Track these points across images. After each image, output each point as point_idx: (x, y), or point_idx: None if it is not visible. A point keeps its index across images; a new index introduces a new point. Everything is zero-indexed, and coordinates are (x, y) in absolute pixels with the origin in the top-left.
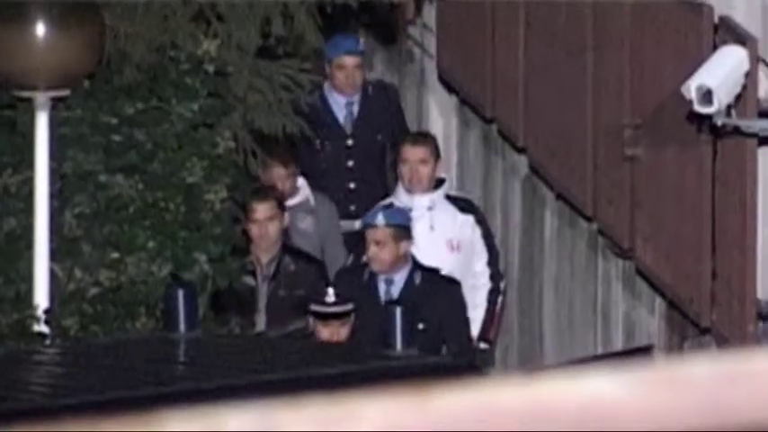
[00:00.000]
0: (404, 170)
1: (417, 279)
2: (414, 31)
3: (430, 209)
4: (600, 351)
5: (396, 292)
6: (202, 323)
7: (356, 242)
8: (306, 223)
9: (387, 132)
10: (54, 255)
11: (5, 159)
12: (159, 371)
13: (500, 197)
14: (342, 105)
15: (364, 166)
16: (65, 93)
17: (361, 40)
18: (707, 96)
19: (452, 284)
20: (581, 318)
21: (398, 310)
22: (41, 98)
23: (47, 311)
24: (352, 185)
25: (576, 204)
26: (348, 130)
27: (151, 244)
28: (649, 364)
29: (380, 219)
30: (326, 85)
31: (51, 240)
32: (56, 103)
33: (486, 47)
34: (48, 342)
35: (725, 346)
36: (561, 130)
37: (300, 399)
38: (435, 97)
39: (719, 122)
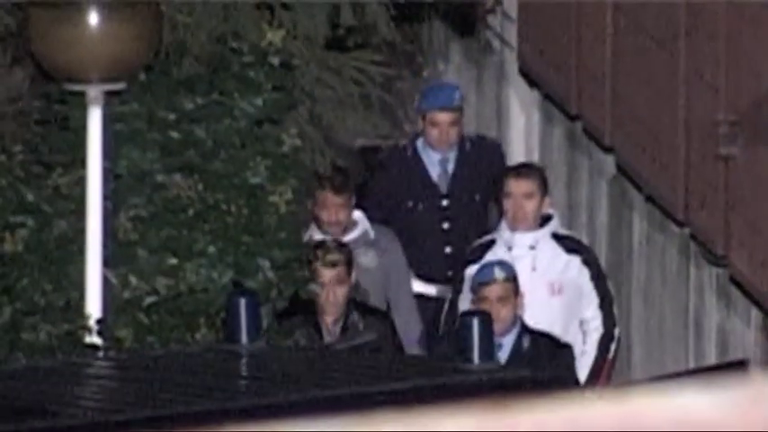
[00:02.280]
0: (507, 205)
1: (526, 343)
2: (493, 20)
3: (532, 248)
4: (692, 365)
5: (503, 357)
6: (266, 334)
7: (438, 308)
8: (367, 258)
9: (486, 192)
10: (108, 261)
11: (56, 158)
12: (219, 385)
13: (585, 199)
14: (435, 162)
15: (461, 229)
16: (119, 86)
17: (458, 93)
18: None
19: (563, 348)
20: (671, 329)
21: (476, 321)
22: (94, 92)
23: (100, 321)
24: (448, 250)
25: (667, 207)
26: (443, 189)
27: (211, 249)
28: (744, 380)
29: (499, 273)
30: (420, 141)
31: (105, 245)
32: (110, 98)
33: (570, 37)
34: (100, 354)
35: None
36: (651, 128)
37: (372, 415)
38: (516, 92)
39: None
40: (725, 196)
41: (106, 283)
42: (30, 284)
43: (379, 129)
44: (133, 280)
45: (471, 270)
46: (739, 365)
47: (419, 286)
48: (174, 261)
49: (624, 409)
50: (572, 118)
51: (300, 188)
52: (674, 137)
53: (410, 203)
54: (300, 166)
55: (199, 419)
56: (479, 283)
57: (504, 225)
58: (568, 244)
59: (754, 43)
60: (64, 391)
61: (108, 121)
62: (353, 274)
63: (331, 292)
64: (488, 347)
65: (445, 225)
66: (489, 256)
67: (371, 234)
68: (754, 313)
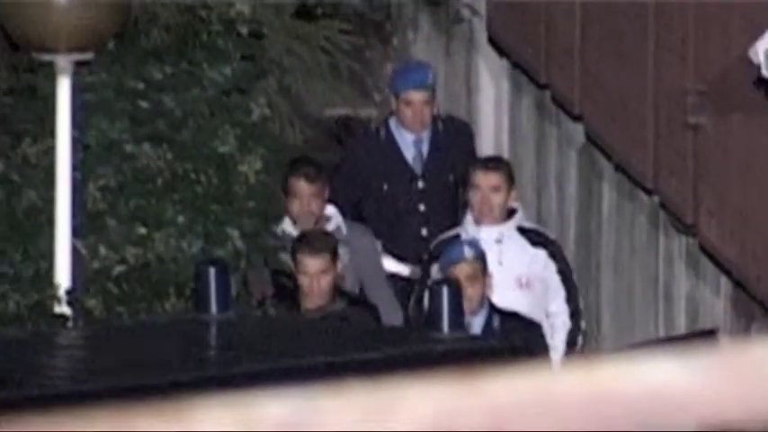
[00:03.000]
0: (474, 198)
1: (496, 323)
2: None
3: (498, 242)
4: (661, 334)
5: None
6: (235, 304)
7: (410, 289)
8: (341, 253)
9: (459, 172)
10: (77, 231)
11: (25, 128)
12: (189, 355)
13: (554, 169)
14: (410, 143)
15: (437, 210)
16: (88, 56)
17: (431, 73)
18: None
19: (533, 327)
20: (641, 298)
21: (445, 291)
22: (63, 62)
23: (69, 292)
24: (424, 232)
25: (636, 176)
26: (418, 170)
27: (180, 219)
28: (714, 349)
29: (468, 252)
30: (392, 121)
31: (74, 215)
32: (78, 68)
33: (539, 6)
34: (70, 324)
35: None
36: (620, 97)
37: (341, 384)
38: (485, 61)
39: None
40: (694, 165)
41: (75, 253)
42: None
43: (348, 98)
44: (102, 250)
45: (437, 266)
46: (709, 334)
47: (392, 265)
48: (143, 231)
49: (594, 378)
50: (541, 87)
51: (269, 158)
52: (643, 106)
53: (385, 186)
54: (269, 136)
55: (168, 389)
56: (449, 262)
57: (469, 219)
58: (534, 237)
59: (722, 15)
60: (33, 360)
61: (77, 91)
62: (339, 264)
63: (315, 280)
64: (458, 317)
65: (421, 207)
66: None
67: (344, 230)
68: (724, 282)
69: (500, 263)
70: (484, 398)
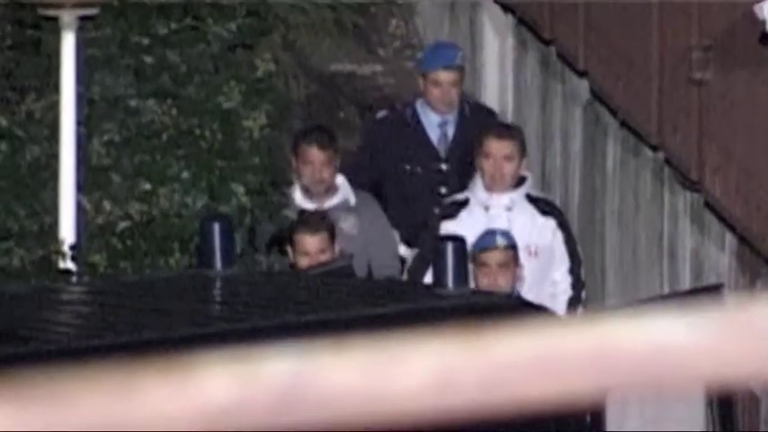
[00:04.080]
0: (486, 165)
1: None
2: None
3: (509, 209)
4: (666, 290)
5: None
6: (239, 259)
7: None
8: (348, 224)
9: None
10: (81, 186)
11: (29, 83)
12: (193, 310)
13: (559, 124)
14: (435, 125)
15: (458, 193)
16: (93, 11)
17: (460, 53)
18: None
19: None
20: (646, 254)
21: (450, 246)
22: (68, 17)
23: (73, 247)
24: None
25: (641, 132)
26: (442, 153)
27: (185, 174)
28: (719, 305)
29: (501, 240)
30: (419, 103)
31: (78, 170)
32: (83, 23)
33: None
34: (74, 279)
35: None
36: (625, 53)
37: (344, 341)
38: (490, 17)
39: None
40: (698, 121)
41: (80, 208)
42: (3, 209)
43: (353, 54)
44: (107, 205)
45: (446, 226)
46: (714, 290)
47: (404, 250)
48: (147, 186)
49: (597, 336)
50: (546, 43)
51: (274, 113)
52: (648, 62)
53: (407, 167)
54: (274, 92)
55: (172, 345)
56: (480, 249)
57: (479, 184)
58: (543, 206)
59: None
60: (37, 316)
61: (81, 46)
62: (336, 244)
63: (314, 259)
64: (462, 272)
65: (443, 189)
66: (465, 215)
67: (352, 200)
68: (729, 238)
69: (509, 229)
70: (486, 355)
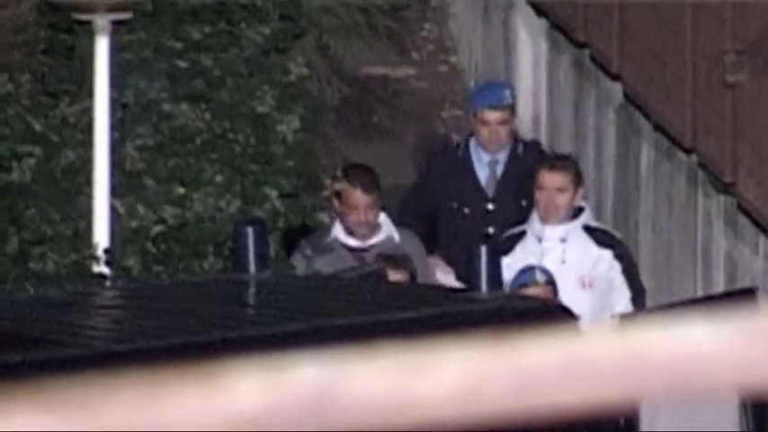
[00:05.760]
0: (539, 197)
1: None
2: None
3: (563, 240)
4: (699, 294)
5: None
6: (273, 263)
7: None
8: None
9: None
10: (115, 190)
11: (64, 88)
12: (227, 314)
13: (593, 128)
14: (485, 164)
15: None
16: (126, 15)
17: (509, 92)
18: None
19: None
20: (679, 258)
21: (483, 250)
22: (101, 21)
23: (107, 251)
24: None
25: (675, 135)
26: (490, 192)
27: (219, 178)
28: (752, 309)
29: (540, 276)
30: (472, 141)
31: (112, 175)
32: (117, 27)
33: None
34: (108, 284)
35: None
36: (659, 56)
37: (375, 346)
38: (524, 20)
39: None
40: (732, 124)
41: (113, 212)
42: (37, 214)
43: (386, 57)
44: (140, 209)
45: (503, 261)
46: (748, 293)
47: (443, 276)
48: (181, 190)
49: (627, 343)
50: (580, 46)
51: (308, 117)
52: (682, 65)
53: (455, 205)
54: (307, 95)
55: (206, 349)
56: (519, 285)
57: (535, 217)
58: (600, 237)
59: None
60: (71, 320)
61: (115, 51)
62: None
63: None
64: (495, 276)
65: (490, 230)
66: (519, 249)
67: (396, 237)
68: (762, 241)
69: (563, 261)
70: (516, 361)
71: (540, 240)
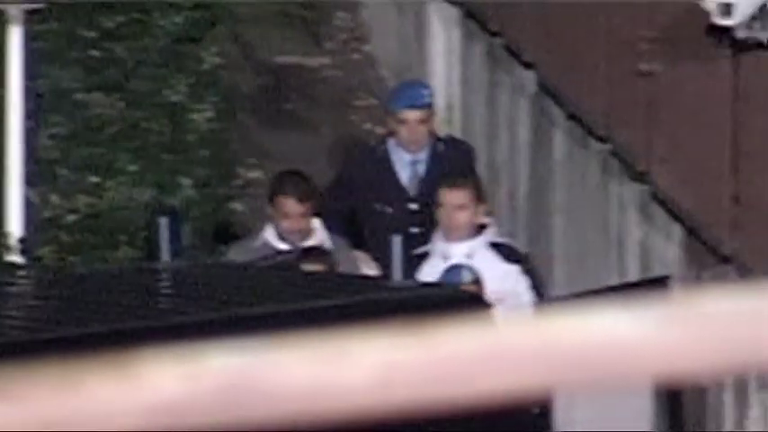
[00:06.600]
0: (440, 215)
1: None
2: None
3: (469, 257)
4: (614, 281)
5: None
6: (187, 252)
7: None
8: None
9: None
10: (29, 179)
11: None
12: (141, 303)
13: (506, 116)
14: (406, 164)
15: (430, 233)
16: (39, 5)
17: (427, 91)
18: (727, 7)
19: None
20: (594, 246)
21: (397, 239)
22: (14, 10)
23: (21, 240)
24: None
25: (588, 124)
26: (412, 192)
27: (133, 167)
28: (666, 296)
29: (466, 276)
30: (392, 141)
31: (26, 164)
32: (30, 16)
33: None
34: (21, 273)
35: (747, 276)
36: (572, 44)
37: (291, 334)
38: (437, 9)
39: (741, 35)
40: (645, 113)
41: (27, 201)
42: None
43: (300, 46)
44: (54, 199)
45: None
46: (661, 282)
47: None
48: (95, 179)
49: (544, 330)
50: (492, 35)
51: (221, 106)
52: (595, 54)
53: (378, 206)
54: (221, 84)
55: (121, 338)
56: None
57: (438, 235)
58: (506, 252)
59: None
60: None
61: (28, 40)
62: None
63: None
64: (408, 267)
65: (414, 229)
66: (427, 268)
67: (328, 244)
68: (676, 229)
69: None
70: (433, 350)
71: (445, 259)
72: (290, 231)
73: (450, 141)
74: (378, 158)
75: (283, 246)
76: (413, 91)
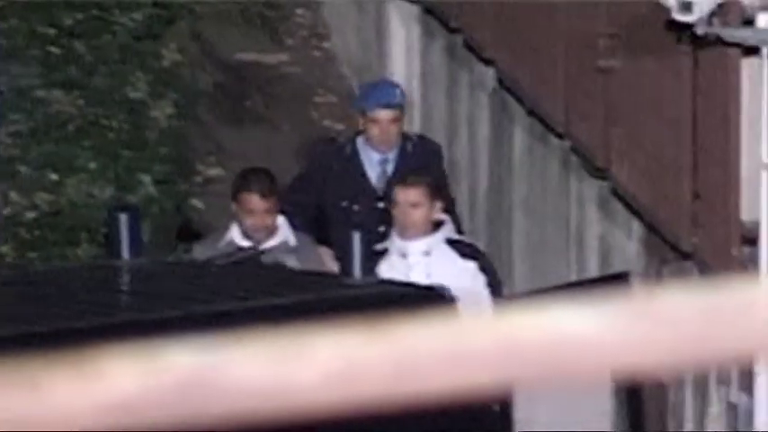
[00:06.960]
0: (395, 213)
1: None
2: None
3: (427, 254)
4: (573, 277)
5: None
6: (147, 249)
7: None
8: (290, 264)
9: None
10: None
11: None
12: (101, 300)
13: (466, 113)
14: (375, 162)
15: None
16: None
17: (399, 90)
18: (687, 4)
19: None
20: (553, 242)
21: (357, 236)
22: None
23: None
24: None
25: (548, 120)
26: (380, 191)
27: (92, 165)
28: (626, 292)
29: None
30: (360, 140)
31: None
32: None
33: None
34: None
35: (707, 272)
36: (531, 40)
37: (250, 331)
38: (396, 6)
39: (700, 31)
40: (605, 109)
41: None
42: None
43: (260, 43)
44: (14, 196)
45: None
46: (621, 277)
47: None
48: (54, 177)
49: (503, 327)
50: (452, 31)
51: (182, 103)
52: (554, 50)
53: (344, 204)
54: (181, 81)
55: (80, 335)
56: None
57: (394, 233)
58: (464, 249)
59: None
60: None
61: None
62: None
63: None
64: (369, 263)
65: (381, 228)
66: (385, 266)
67: (292, 241)
68: (636, 225)
69: (428, 275)
70: (392, 347)
71: (403, 256)
72: (254, 228)
73: (419, 141)
74: (346, 156)
75: (248, 244)
76: (385, 90)
